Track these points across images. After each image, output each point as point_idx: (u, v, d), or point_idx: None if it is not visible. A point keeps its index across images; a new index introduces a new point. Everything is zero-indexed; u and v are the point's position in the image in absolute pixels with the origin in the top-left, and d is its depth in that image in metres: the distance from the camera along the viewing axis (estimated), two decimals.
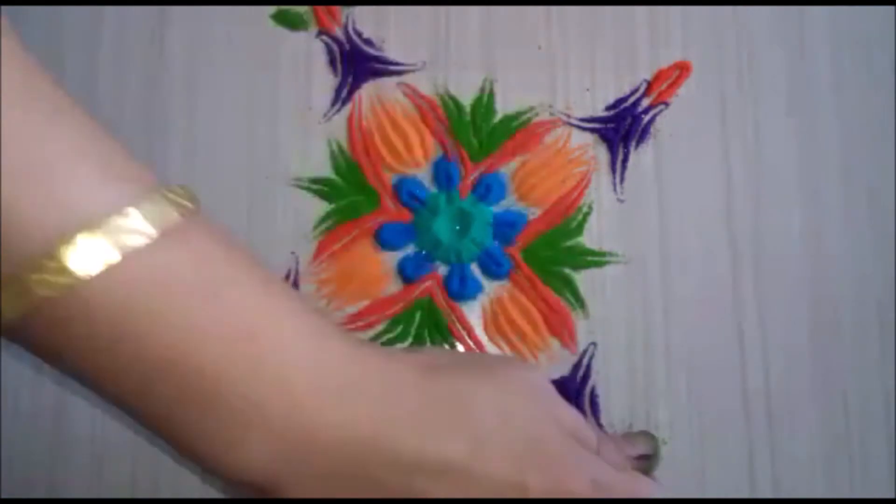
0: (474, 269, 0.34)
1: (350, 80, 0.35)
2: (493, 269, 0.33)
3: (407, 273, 0.33)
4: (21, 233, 0.19)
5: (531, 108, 0.35)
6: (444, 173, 0.34)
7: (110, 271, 0.20)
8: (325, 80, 0.35)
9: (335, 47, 0.35)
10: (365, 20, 0.35)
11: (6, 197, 0.19)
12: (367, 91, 0.35)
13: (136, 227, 0.20)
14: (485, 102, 0.35)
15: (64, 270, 0.19)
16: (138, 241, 0.20)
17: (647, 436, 0.31)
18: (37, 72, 0.21)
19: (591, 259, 0.33)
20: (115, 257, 0.20)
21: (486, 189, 0.33)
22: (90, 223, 0.20)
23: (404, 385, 0.24)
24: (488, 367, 0.26)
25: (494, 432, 0.24)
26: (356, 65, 0.35)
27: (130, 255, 0.20)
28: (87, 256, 0.19)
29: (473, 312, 0.33)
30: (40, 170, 0.19)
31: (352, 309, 0.33)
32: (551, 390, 0.27)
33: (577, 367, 0.33)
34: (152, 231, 0.20)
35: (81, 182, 0.20)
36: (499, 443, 0.24)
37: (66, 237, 0.19)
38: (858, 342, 0.33)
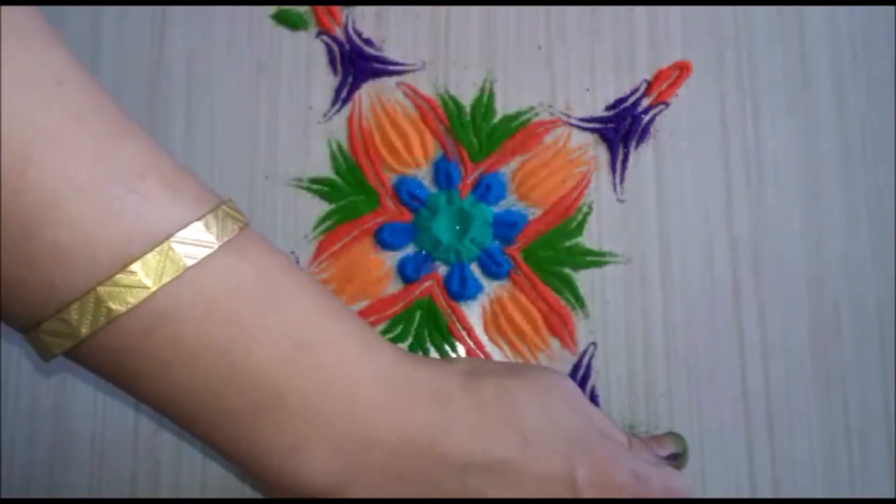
0: (474, 269, 0.34)
1: (350, 80, 0.35)
2: (493, 269, 0.33)
3: (407, 273, 0.33)
4: (93, 249, 0.20)
5: (531, 108, 0.35)
6: (444, 173, 0.34)
7: (182, 282, 0.21)
8: (325, 80, 0.35)
9: (335, 47, 0.35)
10: (365, 20, 0.35)
11: (79, 213, 0.19)
12: (367, 91, 0.35)
13: (202, 239, 0.21)
14: (485, 102, 0.35)
15: (137, 283, 0.20)
16: (205, 253, 0.21)
17: (675, 436, 0.31)
18: (100, 91, 0.21)
19: (591, 259, 0.33)
20: (184, 269, 0.20)
21: (486, 189, 0.34)
22: (160, 237, 0.20)
23: (452, 390, 0.25)
24: (523, 372, 0.27)
25: (540, 431, 0.25)
26: (356, 65, 0.35)
27: (200, 267, 0.21)
28: (158, 269, 0.20)
29: (473, 312, 0.33)
30: (110, 187, 0.20)
31: (352, 309, 0.33)
32: (580, 393, 0.28)
33: (577, 367, 0.33)
34: (216, 243, 0.21)
35: (148, 198, 0.20)
36: (545, 440, 0.25)
37: (138, 251, 0.20)
38: (858, 342, 0.33)
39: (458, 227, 0.34)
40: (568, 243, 0.34)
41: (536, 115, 0.35)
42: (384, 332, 0.33)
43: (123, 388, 0.23)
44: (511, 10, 0.35)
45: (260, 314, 0.22)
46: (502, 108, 0.35)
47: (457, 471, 0.23)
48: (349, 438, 0.23)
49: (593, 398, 0.32)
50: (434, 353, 0.33)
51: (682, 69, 0.35)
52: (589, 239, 0.34)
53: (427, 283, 0.33)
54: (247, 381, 0.22)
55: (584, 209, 0.34)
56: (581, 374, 0.33)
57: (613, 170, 0.34)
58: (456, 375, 0.25)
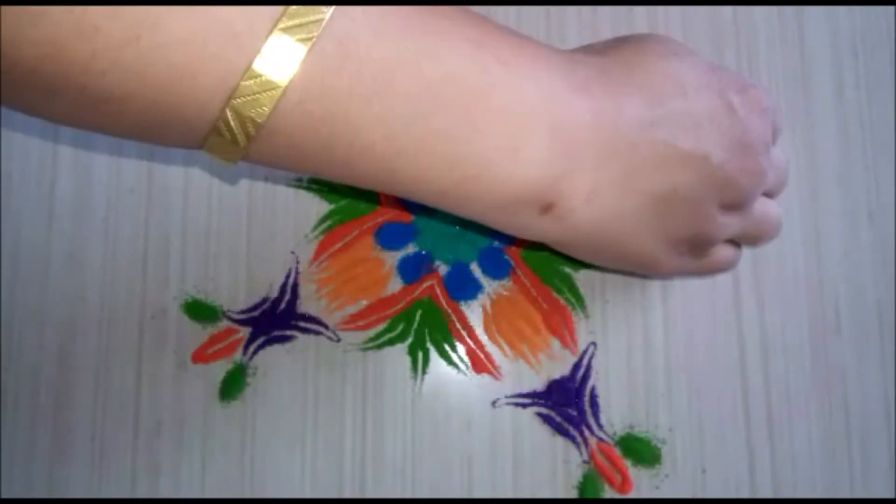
0: (474, 269, 0.34)
1: None
2: (493, 269, 0.33)
3: (407, 273, 0.33)
4: (210, 68, 0.20)
5: None
6: None
7: (320, 51, 0.21)
8: None
9: None
10: None
11: (183, 36, 0.19)
12: None
13: (307, 18, 0.20)
14: None
15: (266, 85, 0.20)
16: (316, 29, 0.20)
17: None
18: None
19: None
20: (312, 40, 0.20)
21: None
22: (265, 29, 0.20)
23: (607, 67, 0.26)
24: (631, 39, 0.28)
25: (682, 73, 0.26)
26: None
27: (329, 25, 0.21)
28: (279, 59, 0.20)
29: (473, 312, 0.33)
30: (199, 10, 0.20)
31: (352, 309, 0.33)
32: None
33: (577, 367, 0.33)
34: (323, 15, 0.21)
35: (232, 8, 0.20)
36: (693, 79, 0.26)
37: (251, 51, 0.20)
38: (858, 342, 0.33)
39: (458, 227, 0.34)
40: None
41: None
42: (384, 332, 0.33)
43: (325, 162, 0.23)
44: (511, 10, 0.35)
45: (420, 28, 0.22)
46: None
47: (645, 128, 0.24)
48: (556, 124, 0.23)
49: (593, 398, 0.32)
50: (434, 353, 0.33)
51: None
52: None
53: (427, 283, 0.33)
54: (443, 89, 0.22)
55: None
56: (581, 374, 0.33)
57: None
58: (593, 57, 0.26)
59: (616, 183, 0.25)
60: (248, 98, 0.20)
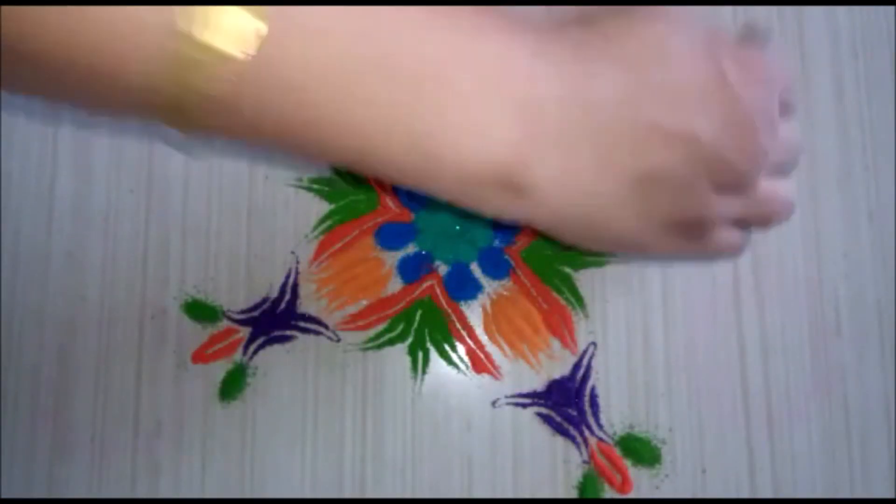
0: (474, 269, 0.34)
1: None
2: (493, 269, 0.33)
3: (407, 273, 0.33)
4: (157, 36, 0.20)
5: None
6: None
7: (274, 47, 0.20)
8: None
9: None
10: None
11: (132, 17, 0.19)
12: None
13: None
14: None
15: (217, 52, 0.20)
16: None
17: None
18: None
19: (591, 259, 0.33)
20: (251, 17, 0.20)
21: None
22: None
23: (588, 44, 0.24)
24: (627, 10, 0.26)
25: (670, 43, 0.24)
26: None
27: (267, 11, 0.20)
28: (228, 29, 0.20)
29: (473, 312, 0.33)
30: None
31: (352, 309, 0.33)
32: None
33: (577, 367, 0.33)
34: None
35: None
36: (680, 49, 0.24)
37: (201, 22, 0.20)
38: (858, 342, 0.33)
39: (458, 227, 0.34)
40: None
41: None
42: (384, 332, 0.33)
43: (281, 136, 0.22)
44: (511, 10, 0.35)
45: (369, 12, 0.21)
46: None
47: (618, 105, 0.23)
48: (521, 102, 0.22)
49: (593, 398, 0.32)
50: (434, 353, 0.33)
51: None
52: None
53: (427, 283, 0.33)
54: (398, 64, 0.21)
55: None
56: (581, 374, 0.33)
57: None
58: (574, 28, 0.25)
59: (588, 163, 0.23)
60: (199, 69, 0.20)
